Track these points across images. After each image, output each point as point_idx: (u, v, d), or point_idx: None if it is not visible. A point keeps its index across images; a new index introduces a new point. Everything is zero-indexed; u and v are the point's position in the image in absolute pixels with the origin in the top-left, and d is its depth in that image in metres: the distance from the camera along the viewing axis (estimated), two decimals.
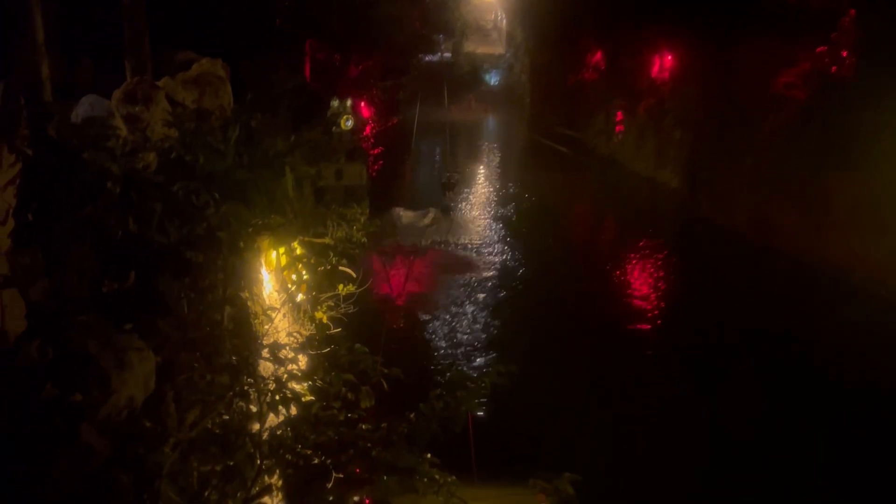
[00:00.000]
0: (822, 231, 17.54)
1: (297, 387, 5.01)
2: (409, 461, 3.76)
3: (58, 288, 4.17)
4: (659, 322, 15.76)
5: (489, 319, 14.94)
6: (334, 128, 15.40)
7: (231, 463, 4.08)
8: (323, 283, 5.69)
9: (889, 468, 9.75)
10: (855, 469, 9.81)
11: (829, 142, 17.36)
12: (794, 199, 18.64)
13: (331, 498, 4.07)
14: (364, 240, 7.73)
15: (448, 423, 3.84)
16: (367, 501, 3.50)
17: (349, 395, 4.57)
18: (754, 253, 18.82)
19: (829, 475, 9.57)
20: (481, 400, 3.92)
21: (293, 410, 4.74)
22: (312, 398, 4.76)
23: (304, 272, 5.58)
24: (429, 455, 3.90)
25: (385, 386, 4.45)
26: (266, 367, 5.28)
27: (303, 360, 5.84)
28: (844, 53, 18.45)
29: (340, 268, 6.24)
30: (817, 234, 17.67)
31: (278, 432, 4.44)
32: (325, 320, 6.85)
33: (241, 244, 5.80)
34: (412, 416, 3.85)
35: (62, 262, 4.20)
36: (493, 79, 46.28)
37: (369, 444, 3.72)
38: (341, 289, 6.79)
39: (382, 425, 3.90)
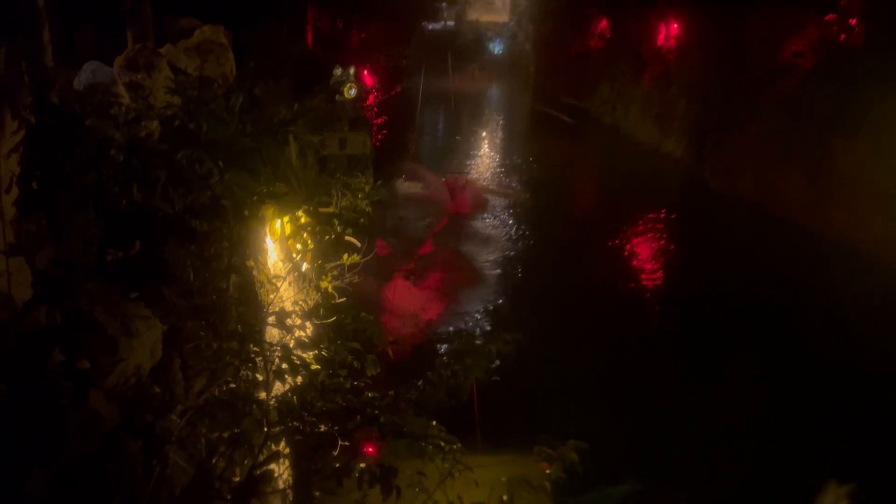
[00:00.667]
0: (828, 199, 17.48)
1: (303, 355, 5.02)
2: (417, 427, 3.79)
3: (63, 256, 4.16)
4: (663, 290, 15.79)
5: (493, 295, 14.94)
6: (337, 96, 15.27)
7: (238, 430, 4.11)
8: (328, 252, 5.68)
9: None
10: (857, 438, 9.86)
11: (836, 110, 17.23)
12: (799, 167, 18.55)
13: (337, 464, 4.10)
14: (369, 209, 7.71)
15: (455, 391, 3.86)
16: (373, 466, 3.54)
17: (355, 363, 4.58)
18: (759, 222, 18.78)
19: (833, 446, 9.62)
20: (491, 366, 3.94)
21: (299, 379, 4.76)
22: (318, 367, 4.78)
23: (309, 241, 5.56)
24: (434, 423, 3.92)
25: (391, 354, 4.47)
26: (272, 336, 5.30)
27: (309, 329, 5.85)
28: (853, 21, 18.20)
29: (346, 238, 6.23)
30: (823, 202, 17.61)
31: (285, 399, 4.47)
32: (330, 290, 6.86)
33: (246, 213, 5.78)
34: (420, 383, 3.87)
35: (67, 230, 4.19)
36: (496, 47, 45.85)
37: (376, 412, 3.75)
38: (346, 258, 6.79)
39: (390, 393, 3.92)
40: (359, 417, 3.91)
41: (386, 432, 3.64)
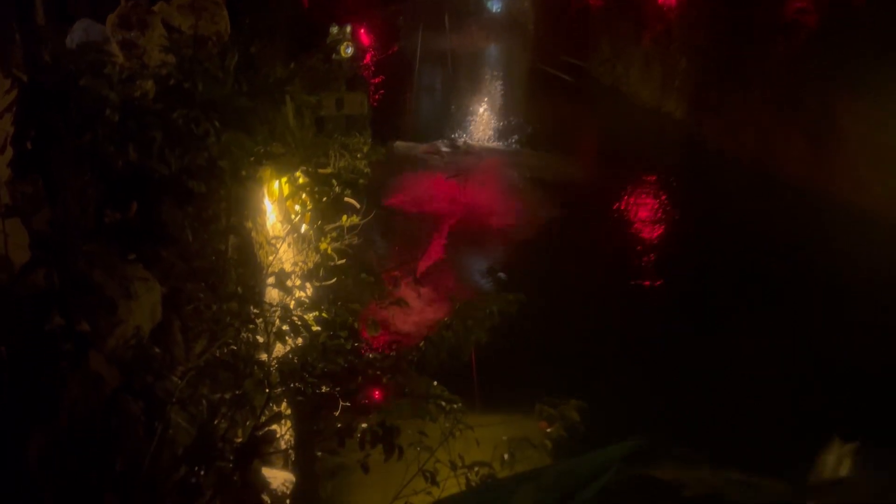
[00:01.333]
0: (830, 160, 17.37)
1: (303, 316, 5.02)
2: (420, 386, 3.80)
3: (60, 217, 4.12)
4: (662, 251, 15.78)
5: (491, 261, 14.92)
6: (334, 55, 15.07)
7: (239, 392, 4.11)
8: (327, 213, 5.64)
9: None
10: (860, 396, 9.91)
11: (840, 68, 17.02)
12: (801, 128, 18.40)
13: (339, 424, 4.12)
14: (367, 170, 7.65)
15: (456, 351, 3.86)
16: (375, 427, 3.55)
17: (356, 324, 4.58)
18: (760, 182, 18.69)
19: (834, 405, 9.69)
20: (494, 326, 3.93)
21: (299, 340, 4.76)
22: (319, 328, 4.78)
23: (308, 202, 5.52)
24: (435, 383, 3.93)
25: (392, 316, 4.46)
26: (272, 297, 5.28)
27: (308, 290, 5.84)
28: None
29: (345, 199, 6.18)
30: (824, 163, 17.50)
31: (286, 361, 4.47)
32: (329, 251, 6.83)
33: (244, 173, 5.73)
34: (421, 344, 3.87)
35: (64, 192, 4.14)
36: (495, 5, 45.11)
37: (378, 372, 3.75)
38: (345, 220, 6.75)
39: (392, 353, 3.92)
40: (360, 378, 3.91)
41: (388, 392, 3.64)
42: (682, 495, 1.52)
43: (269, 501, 5.46)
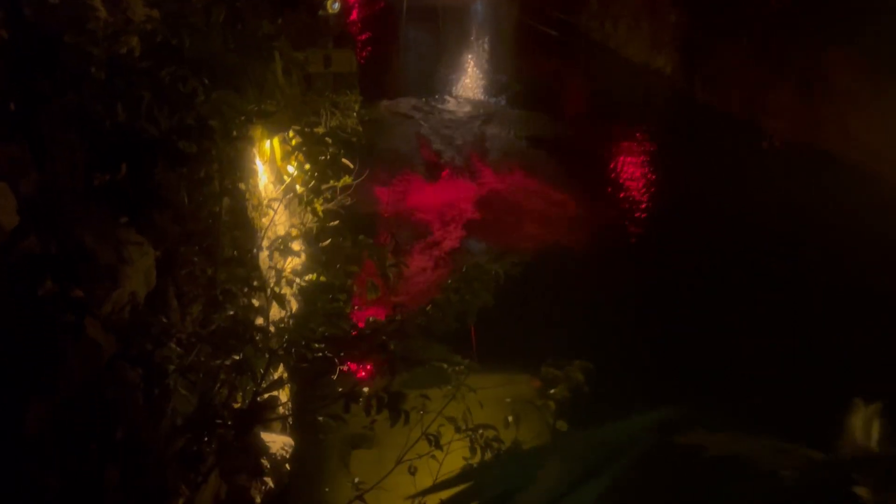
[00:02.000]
0: (821, 114, 17.32)
1: (300, 280, 4.94)
2: (432, 353, 3.75)
3: (49, 181, 3.99)
4: (651, 210, 15.75)
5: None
6: (320, 11, 14.71)
7: (239, 357, 4.05)
8: (321, 173, 5.52)
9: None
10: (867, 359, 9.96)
11: (830, 21, 16.87)
12: (791, 81, 18.30)
13: (340, 389, 4.07)
14: (360, 128, 7.50)
15: (462, 315, 3.80)
16: (381, 392, 3.50)
17: (354, 287, 4.50)
18: (749, 137, 18.64)
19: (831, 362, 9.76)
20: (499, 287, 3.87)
21: (294, 305, 4.69)
22: (317, 291, 4.70)
23: (305, 162, 5.40)
24: (441, 347, 3.88)
25: (391, 277, 4.39)
26: (266, 260, 5.19)
27: (304, 253, 5.75)
28: None
29: (328, 158, 6.05)
30: (815, 117, 17.45)
31: (282, 325, 4.40)
32: (320, 213, 6.72)
33: (235, 133, 5.59)
34: (428, 308, 3.80)
35: (52, 154, 4.00)
36: None
37: (384, 337, 3.69)
38: (338, 181, 6.62)
39: (397, 318, 3.86)
40: (363, 344, 3.85)
41: (395, 359, 3.59)
42: (716, 463, 1.47)
43: (268, 465, 5.45)
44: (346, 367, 4.32)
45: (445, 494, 1.46)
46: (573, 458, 1.48)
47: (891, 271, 11.97)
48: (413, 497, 2.19)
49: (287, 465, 5.69)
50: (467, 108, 22.10)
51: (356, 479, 4.10)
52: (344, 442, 3.73)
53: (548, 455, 1.56)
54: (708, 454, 1.45)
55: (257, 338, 3.89)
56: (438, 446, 3.90)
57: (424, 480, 4.24)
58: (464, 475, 1.56)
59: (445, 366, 4.06)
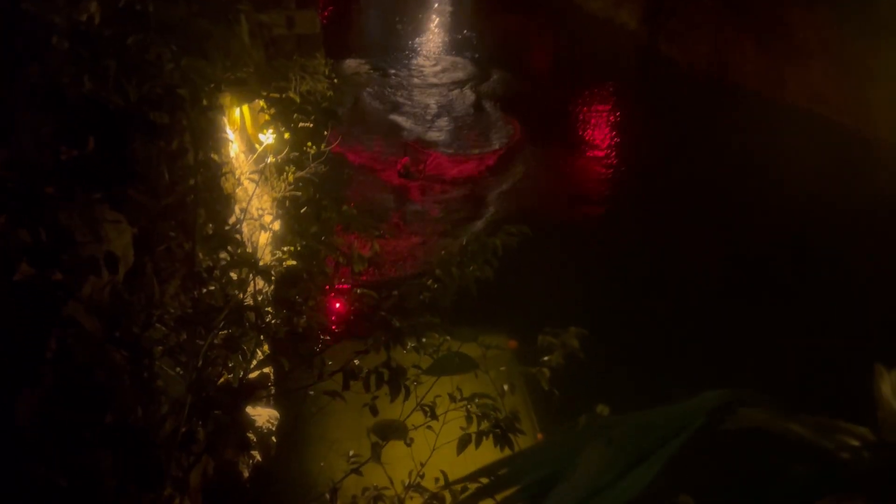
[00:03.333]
0: (783, 67, 17.43)
1: (278, 252, 4.83)
2: (439, 330, 3.69)
3: (15, 158, 3.79)
4: (618, 166, 15.79)
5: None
6: None
7: (224, 333, 3.94)
8: (300, 142, 5.36)
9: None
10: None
11: None
12: (754, 35, 18.35)
13: (330, 362, 4.00)
14: (330, 92, 7.30)
15: (464, 289, 3.73)
16: (381, 368, 3.43)
17: (340, 258, 4.40)
18: (714, 91, 18.73)
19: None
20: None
21: (272, 279, 4.57)
22: (295, 262, 4.60)
23: (284, 131, 5.23)
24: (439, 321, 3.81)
25: (377, 248, 4.29)
26: (246, 232, 5.05)
27: (277, 224, 5.62)
28: None
29: (311, 125, 5.88)
30: (777, 70, 17.56)
31: (259, 298, 4.30)
32: (290, 180, 6.55)
33: (205, 102, 5.39)
34: (430, 282, 3.71)
35: (17, 129, 3.79)
36: None
37: (383, 313, 3.60)
38: (311, 147, 6.45)
39: (394, 293, 3.77)
40: (362, 318, 3.76)
41: (400, 336, 3.51)
42: (773, 444, 1.44)
43: (254, 439, 5.39)
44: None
45: (484, 481, 1.40)
46: (617, 446, 1.42)
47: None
48: (450, 485, 2.14)
49: (273, 438, 5.64)
50: (431, 65, 21.79)
51: (351, 452, 4.05)
52: (375, 432, 3.64)
53: (588, 440, 1.50)
54: (763, 436, 1.41)
55: (248, 314, 3.78)
56: (434, 416, 3.87)
57: (422, 452, 4.23)
58: (501, 462, 1.50)
59: (477, 347, 3.97)
